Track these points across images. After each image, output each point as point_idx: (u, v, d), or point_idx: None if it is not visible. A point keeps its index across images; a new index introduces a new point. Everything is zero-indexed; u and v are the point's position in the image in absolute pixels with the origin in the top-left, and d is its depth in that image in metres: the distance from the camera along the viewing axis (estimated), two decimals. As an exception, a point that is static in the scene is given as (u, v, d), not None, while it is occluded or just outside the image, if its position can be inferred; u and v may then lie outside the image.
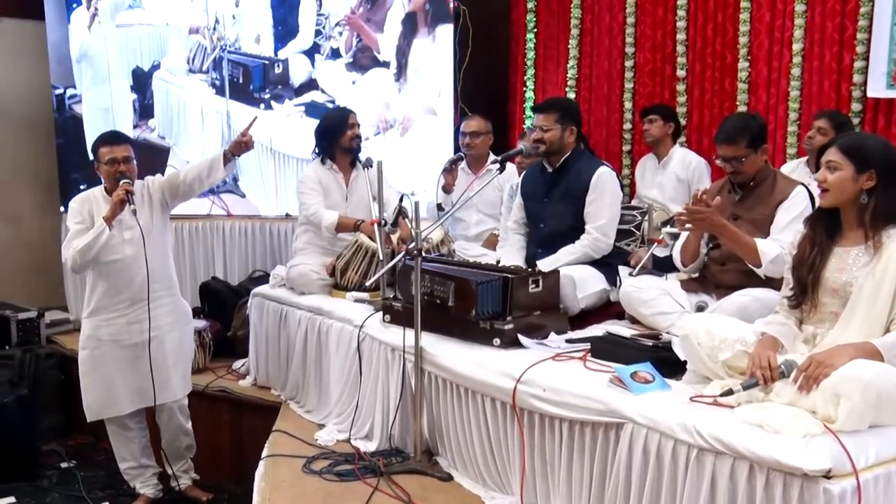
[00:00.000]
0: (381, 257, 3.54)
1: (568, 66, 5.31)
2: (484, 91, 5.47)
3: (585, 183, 3.42)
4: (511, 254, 3.65)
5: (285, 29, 5.54)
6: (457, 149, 4.75)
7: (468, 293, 2.91)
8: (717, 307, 2.82)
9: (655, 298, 3.00)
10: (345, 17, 5.46)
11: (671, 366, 2.54)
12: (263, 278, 4.77)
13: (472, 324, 2.93)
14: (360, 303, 3.66)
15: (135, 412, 3.62)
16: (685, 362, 2.49)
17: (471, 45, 5.36)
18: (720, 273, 3.00)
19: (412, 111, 5.37)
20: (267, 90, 5.56)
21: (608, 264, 3.44)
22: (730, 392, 2.17)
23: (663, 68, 4.94)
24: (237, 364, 4.46)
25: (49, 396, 4.90)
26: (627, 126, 5.13)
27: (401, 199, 3.49)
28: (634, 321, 3.11)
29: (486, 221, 4.50)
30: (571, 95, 5.26)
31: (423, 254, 2.99)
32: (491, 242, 4.35)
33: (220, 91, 5.62)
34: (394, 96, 5.38)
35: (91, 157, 3.60)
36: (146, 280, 3.44)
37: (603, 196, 3.41)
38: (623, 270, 3.53)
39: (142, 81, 5.74)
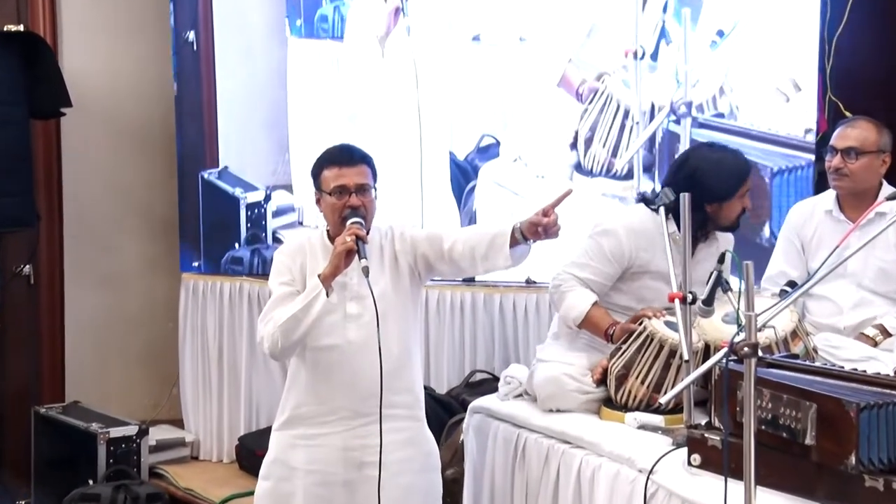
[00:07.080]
0: (684, 357, 3.54)
1: None
2: (869, 74, 5.38)
3: None
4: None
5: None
6: (821, 173, 4.71)
7: (842, 424, 2.87)
8: None
9: None
10: None
11: None
12: (489, 384, 4.95)
13: (848, 478, 2.88)
14: (648, 431, 3.70)
15: None
16: None
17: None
18: None
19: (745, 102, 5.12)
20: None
21: None
22: None
23: None
24: (444, 522, 4.64)
25: (151, 565, 5.32)
26: None
27: (720, 260, 3.51)
28: None
29: (873, 302, 4.41)
30: None
31: (761, 353, 2.96)
32: (866, 340, 4.26)
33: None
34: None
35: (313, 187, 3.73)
36: (378, 383, 3.53)
37: None
38: None
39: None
